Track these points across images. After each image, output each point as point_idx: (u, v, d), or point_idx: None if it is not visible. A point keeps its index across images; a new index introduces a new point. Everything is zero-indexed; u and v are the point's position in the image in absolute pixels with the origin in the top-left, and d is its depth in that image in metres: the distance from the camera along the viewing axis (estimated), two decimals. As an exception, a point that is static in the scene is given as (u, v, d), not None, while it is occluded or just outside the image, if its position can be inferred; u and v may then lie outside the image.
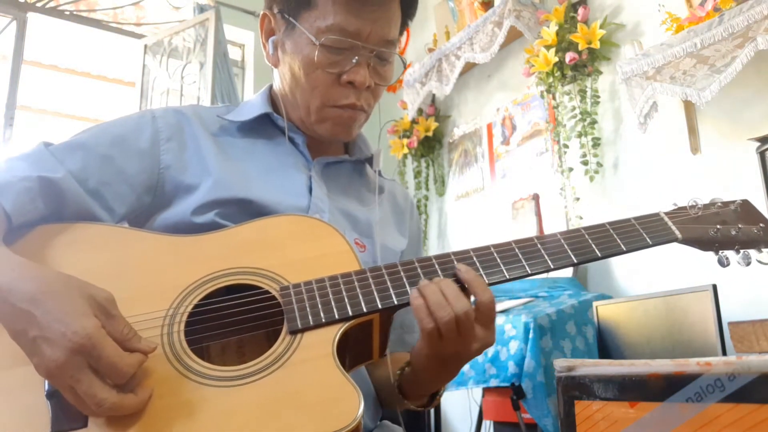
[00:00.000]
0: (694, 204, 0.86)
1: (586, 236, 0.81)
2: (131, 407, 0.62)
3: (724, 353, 1.69)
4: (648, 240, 0.81)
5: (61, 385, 0.61)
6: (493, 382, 2.11)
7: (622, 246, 0.80)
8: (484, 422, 2.47)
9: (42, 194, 0.76)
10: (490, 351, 2.14)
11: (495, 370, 2.11)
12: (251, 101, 1.00)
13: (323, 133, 0.93)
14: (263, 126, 0.96)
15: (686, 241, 0.83)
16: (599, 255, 0.79)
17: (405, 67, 0.97)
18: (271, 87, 1.01)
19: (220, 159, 0.89)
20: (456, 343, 0.74)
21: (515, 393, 2.02)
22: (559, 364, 0.57)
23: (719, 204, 0.87)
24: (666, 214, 0.85)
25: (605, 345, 2.10)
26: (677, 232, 0.82)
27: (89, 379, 0.60)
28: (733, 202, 0.87)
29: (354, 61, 0.87)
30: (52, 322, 0.61)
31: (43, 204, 0.77)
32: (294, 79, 0.91)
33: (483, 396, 2.45)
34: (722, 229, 0.83)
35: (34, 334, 0.61)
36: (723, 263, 0.83)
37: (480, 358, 2.17)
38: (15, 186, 0.74)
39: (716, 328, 1.72)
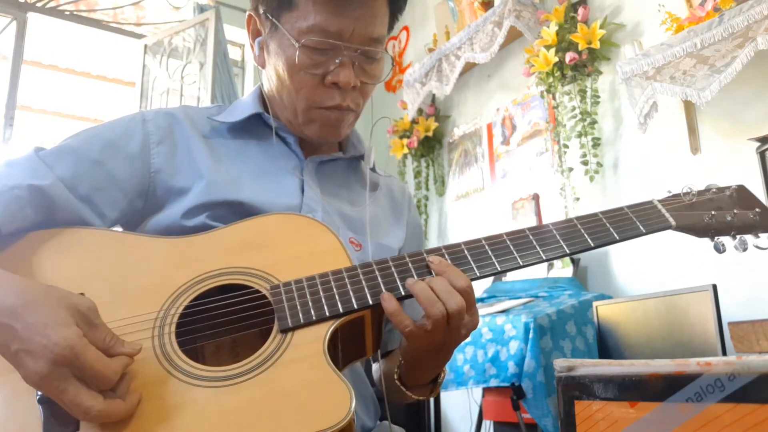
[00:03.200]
0: (689, 191, 0.85)
1: (579, 226, 0.80)
2: (119, 413, 0.62)
3: (724, 353, 1.69)
4: (641, 228, 0.80)
5: (50, 394, 0.61)
6: (493, 382, 2.11)
7: (615, 235, 0.79)
8: (484, 422, 2.47)
9: (32, 202, 0.77)
10: (491, 351, 2.14)
11: (495, 370, 2.11)
12: (242, 101, 0.99)
13: (312, 135, 0.92)
14: (254, 126, 0.96)
15: (681, 228, 0.82)
16: (592, 245, 0.79)
17: (393, 64, 0.96)
18: (262, 86, 1.01)
19: (211, 161, 0.89)
20: (444, 334, 0.74)
21: (515, 393, 2.02)
22: (559, 364, 0.57)
23: (714, 190, 0.86)
24: (660, 201, 0.85)
25: (605, 345, 2.10)
26: (671, 219, 0.82)
27: (75, 388, 0.60)
28: (729, 187, 0.87)
29: (337, 61, 0.85)
30: (33, 334, 0.60)
31: (32, 212, 0.77)
32: (279, 80, 0.90)
33: (483, 396, 2.45)
34: (717, 215, 0.82)
35: (17, 347, 0.61)
36: (719, 249, 0.83)
37: (480, 358, 2.17)
38: (4, 195, 0.74)
39: (716, 328, 1.71)
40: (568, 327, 2.15)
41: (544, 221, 2.78)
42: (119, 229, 0.90)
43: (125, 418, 0.63)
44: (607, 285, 2.48)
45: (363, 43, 0.86)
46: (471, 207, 3.27)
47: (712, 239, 0.84)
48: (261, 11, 0.90)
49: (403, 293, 0.74)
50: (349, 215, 0.94)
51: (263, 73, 0.96)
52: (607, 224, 0.80)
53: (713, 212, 0.83)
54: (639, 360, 0.51)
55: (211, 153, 0.90)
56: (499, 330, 2.15)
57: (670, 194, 0.87)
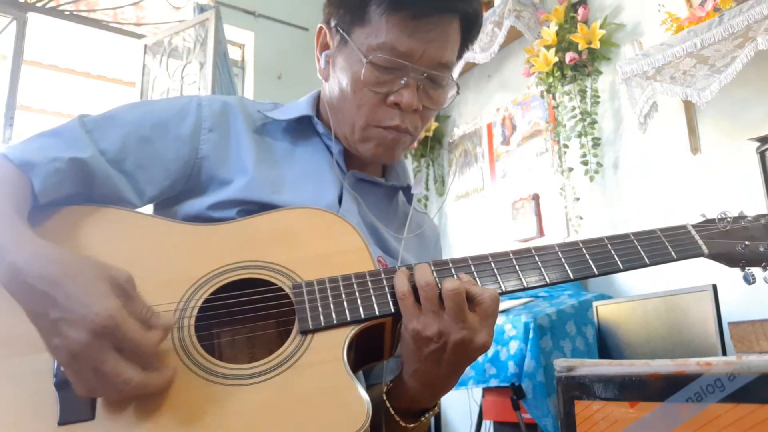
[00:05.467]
0: (724, 216, 0.83)
1: (609, 247, 0.78)
2: (156, 385, 0.63)
3: (724, 353, 1.70)
4: (673, 254, 0.78)
5: (83, 367, 0.61)
6: (493, 382, 2.12)
7: (646, 259, 0.77)
8: (484, 422, 2.47)
9: (71, 175, 0.77)
10: (490, 351, 2.14)
11: (495, 370, 2.11)
12: (297, 102, 0.99)
13: (365, 153, 0.91)
14: (303, 128, 0.95)
15: (712, 257, 0.80)
16: (621, 268, 0.77)
17: (458, 92, 0.93)
18: (320, 93, 1.00)
19: (257, 159, 0.89)
20: (439, 319, 0.70)
21: (515, 393, 2.02)
22: (559, 364, 0.57)
23: (750, 218, 0.83)
24: (693, 226, 0.82)
25: (605, 345, 2.10)
26: (704, 247, 0.79)
27: (114, 359, 0.60)
28: (764, 216, 0.84)
29: (402, 82, 0.84)
30: (74, 304, 0.60)
31: (71, 185, 0.77)
32: (342, 95, 0.89)
33: (483, 396, 2.45)
34: (750, 245, 0.80)
35: (56, 316, 0.61)
36: (748, 281, 0.80)
37: (480, 358, 2.17)
38: (45, 167, 0.74)
39: (716, 328, 1.72)
40: (568, 327, 2.15)
41: (544, 221, 2.78)
42: (151, 207, 0.90)
43: (142, 409, 0.63)
44: (607, 285, 2.48)
45: (431, 67, 0.85)
46: (471, 207, 3.27)
47: (743, 270, 0.81)
48: (332, 24, 0.89)
49: None
50: (381, 233, 0.93)
51: (325, 85, 0.96)
52: (639, 247, 0.78)
53: (746, 242, 0.80)
54: (639, 360, 0.51)
55: (258, 150, 0.90)
56: (499, 330, 2.15)
57: (704, 218, 0.84)
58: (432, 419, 2.86)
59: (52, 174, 0.74)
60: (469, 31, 0.90)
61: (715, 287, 1.76)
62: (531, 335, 2.03)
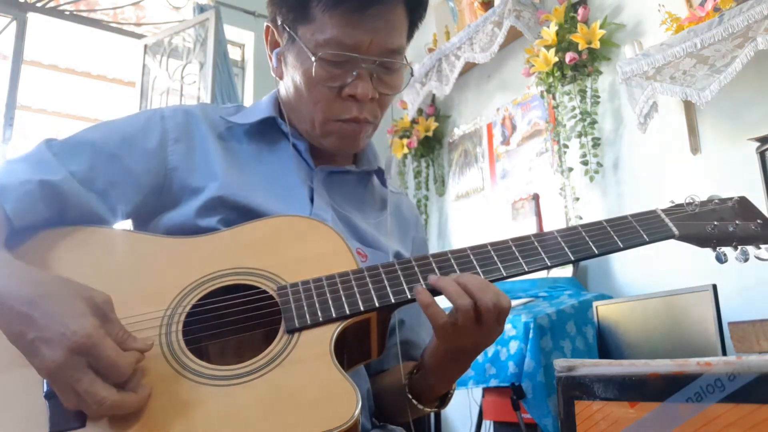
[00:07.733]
0: (691, 201, 0.87)
1: (583, 233, 0.81)
2: (132, 405, 0.63)
3: (724, 353, 1.69)
4: (645, 237, 0.81)
5: (62, 385, 0.61)
6: (493, 382, 2.11)
7: (619, 243, 0.80)
8: (484, 422, 2.47)
9: (43, 198, 0.77)
10: (490, 351, 2.14)
11: (495, 370, 2.11)
12: (259, 103, 0.99)
13: (329, 147, 0.92)
14: (268, 130, 0.96)
15: (683, 238, 0.84)
16: (596, 252, 0.79)
17: (412, 73, 0.93)
18: (279, 91, 1.00)
19: (225, 163, 0.89)
20: (474, 333, 0.74)
21: (515, 393, 2.02)
22: (559, 364, 0.57)
23: (716, 201, 0.88)
24: (663, 211, 0.86)
25: (605, 345, 2.10)
26: (674, 229, 0.83)
27: (90, 378, 0.60)
28: (731, 198, 0.88)
29: (354, 74, 0.84)
30: (51, 323, 0.61)
31: (44, 207, 0.77)
32: (297, 92, 0.90)
33: (483, 396, 2.45)
34: (719, 225, 0.84)
35: (33, 335, 0.61)
36: (721, 260, 0.84)
37: (480, 358, 2.17)
38: (16, 190, 0.74)
39: (716, 328, 1.71)
40: (568, 327, 2.15)
41: (544, 221, 2.78)
42: (130, 223, 0.90)
43: (133, 413, 0.63)
44: (607, 285, 2.48)
45: (381, 55, 0.85)
46: (471, 207, 3.27)
47: (714, 249, 0.85)
48: (279, 22, 0.89)
49: (409, 296, 0.75)
50: (357, 225, 0.94)
51: (280, 83, 0.96)
52: (611, 232, 0.81)
53: (715, 222, 0.84)
54: (639, 360, 0.51)
55: (226, 155, 0.91)
56: (499, 330, 2.14)
57: (673, 204, 0.88)
58: (432, 419, 2.83)
59: (22, 196, 0.75)
60: (415, 11, 0.90)
61: (715, 287, 1.76)
62: (531, 335, 2.03)
